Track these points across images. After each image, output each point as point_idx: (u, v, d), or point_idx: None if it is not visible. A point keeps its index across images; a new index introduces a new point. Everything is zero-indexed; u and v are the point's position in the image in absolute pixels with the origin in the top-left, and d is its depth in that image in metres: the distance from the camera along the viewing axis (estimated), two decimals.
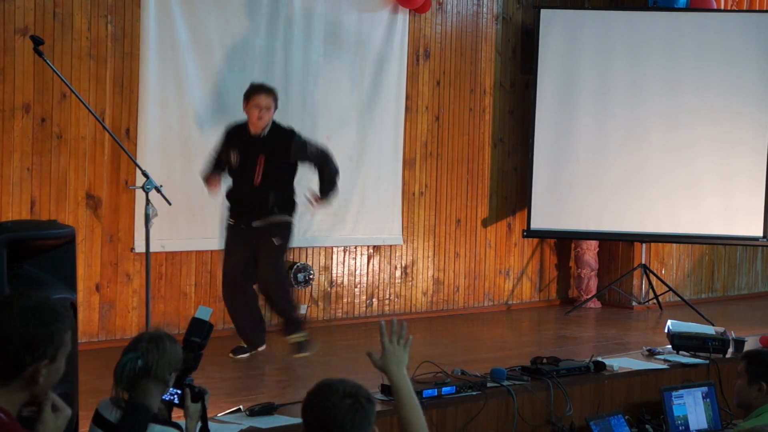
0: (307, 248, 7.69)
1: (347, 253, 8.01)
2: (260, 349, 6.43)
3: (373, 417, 2.87)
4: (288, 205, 6.35)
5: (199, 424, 3.50)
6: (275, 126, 6.34)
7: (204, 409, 3.48)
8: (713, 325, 7.57)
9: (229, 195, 6.39)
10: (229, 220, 6.39)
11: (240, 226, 6.32)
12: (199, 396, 3.46)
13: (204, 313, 3.57)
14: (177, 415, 3.55)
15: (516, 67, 9.15)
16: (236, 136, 6.32)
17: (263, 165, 6.21)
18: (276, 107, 6.33)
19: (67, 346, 2.65)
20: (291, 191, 6.37)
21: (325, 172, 6.38)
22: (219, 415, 4.62)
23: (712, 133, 8.80)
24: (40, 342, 2.56)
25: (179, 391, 3.44)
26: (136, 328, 6.57)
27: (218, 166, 6.36)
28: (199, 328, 3.53)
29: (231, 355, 6.31)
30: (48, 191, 6.35)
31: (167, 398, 3.42)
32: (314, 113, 7.61)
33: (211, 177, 6.35)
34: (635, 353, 6.55)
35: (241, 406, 4.70)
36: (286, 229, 6.35)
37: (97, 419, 3.32)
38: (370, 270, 8.15)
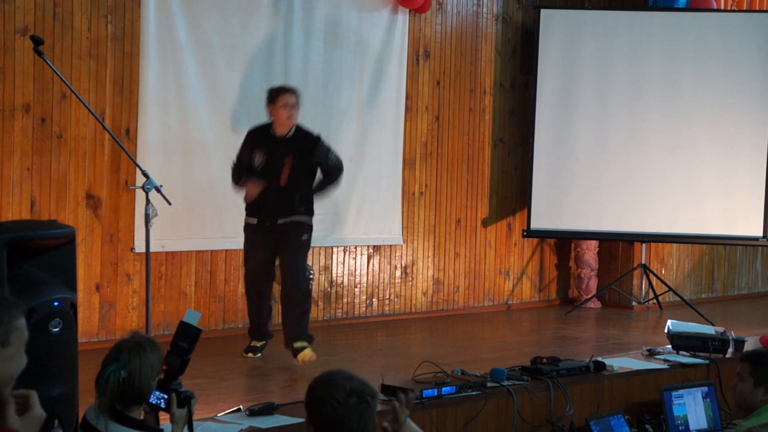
0: None
1: (347, 253, 8.01)
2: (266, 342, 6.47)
3: (376, 412, 2.88)
4: (310, 206, 6.34)
5: (186, 430, 3.47)
6: (299, 128, 6.35)
7: (190, 415, 3.45)
8: (713, 325, 7.57)
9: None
10: (249, 220, 6.33)
11: (264, 224, 6.27)
12: (185, 401, 3.42)
13: (192, 317, 3.52)
14: (164, 417, 3.52)
15: (516, 67, 9.15)
16: (260, 138, 6.31)
17: (290, 166, 6.22)
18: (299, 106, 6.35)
19: (22, 333, 2.43)
20: (311, 193, 6.37)
21: (330, 179, 6.39)
22: (219, 415, 4.62)
23: (712, 133, 8.79)
24: None
25: (166, 396, 3.41)
26: (136, 328, 6.55)
27: (249, 170, 6.28)
28: (187, 333, 3.48)
29: (245, 354, 6.35)
30: (48, 191, 6.35)
31: (154, 402, 3.39)
32: (314, 113, 7.60)
33: (248, 181, 6.24)
34: (635, 353, 6.55)
35: (241, 406, 4.70)
36: (309, 229, 6.34)
37: (84, 426, 3.31)
38: (370, 270, 8.15)
